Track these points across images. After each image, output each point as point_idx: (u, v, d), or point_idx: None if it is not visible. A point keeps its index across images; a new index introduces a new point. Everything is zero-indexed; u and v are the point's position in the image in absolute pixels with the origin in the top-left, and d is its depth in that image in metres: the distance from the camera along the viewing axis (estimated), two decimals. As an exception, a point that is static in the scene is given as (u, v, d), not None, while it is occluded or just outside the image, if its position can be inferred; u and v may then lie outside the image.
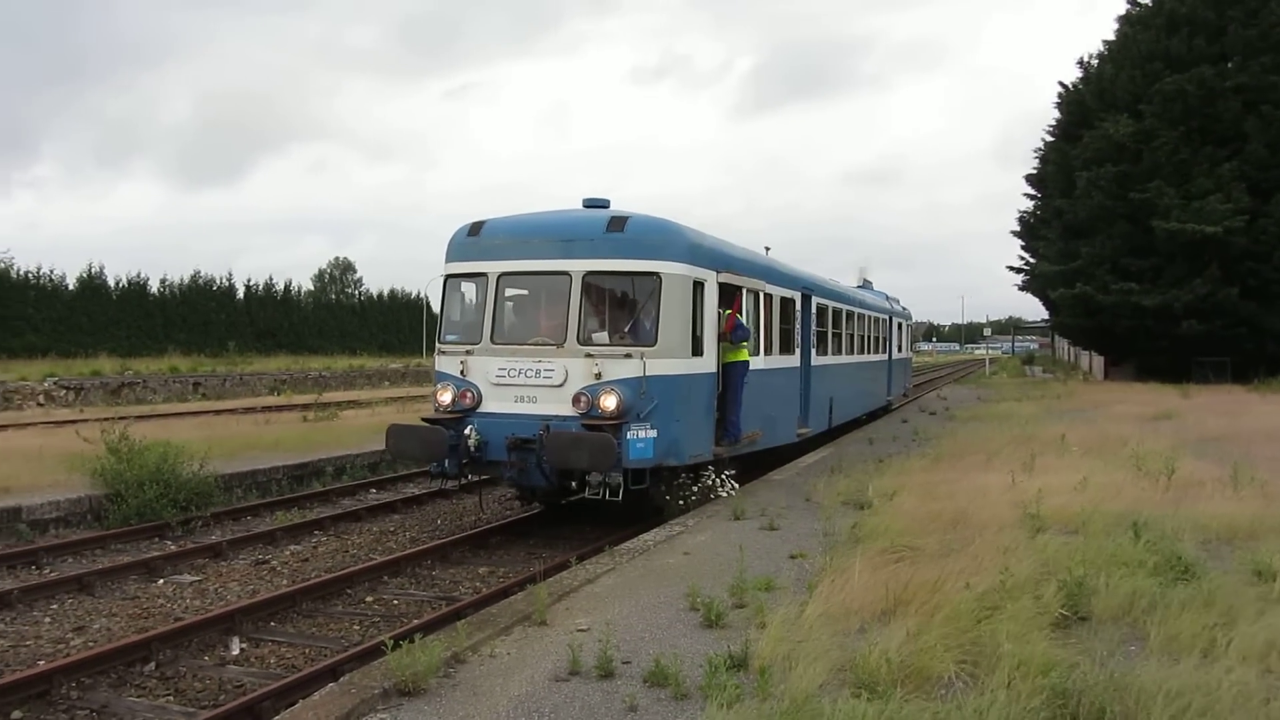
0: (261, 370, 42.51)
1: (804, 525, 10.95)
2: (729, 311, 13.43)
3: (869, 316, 26.26)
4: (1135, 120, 39.87)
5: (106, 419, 20.08)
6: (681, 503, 12.38)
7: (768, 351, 15.65)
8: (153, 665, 7.99)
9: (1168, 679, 5.32)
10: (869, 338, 26.20)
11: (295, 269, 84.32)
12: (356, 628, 9.11)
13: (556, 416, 11.43)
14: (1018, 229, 55.83)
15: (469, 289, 13.00)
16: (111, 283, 50.32)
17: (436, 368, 12.72)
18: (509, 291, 12.83)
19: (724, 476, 13.00)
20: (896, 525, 9.86)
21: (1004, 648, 5.84)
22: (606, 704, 5.73)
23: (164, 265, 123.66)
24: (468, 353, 12.35)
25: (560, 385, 11.63)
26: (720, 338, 13.11)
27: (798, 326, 17.81)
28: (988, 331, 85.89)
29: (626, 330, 11.93)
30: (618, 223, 11.94)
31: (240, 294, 58.23)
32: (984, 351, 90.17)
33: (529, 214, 12.96)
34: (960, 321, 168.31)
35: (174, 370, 38.43)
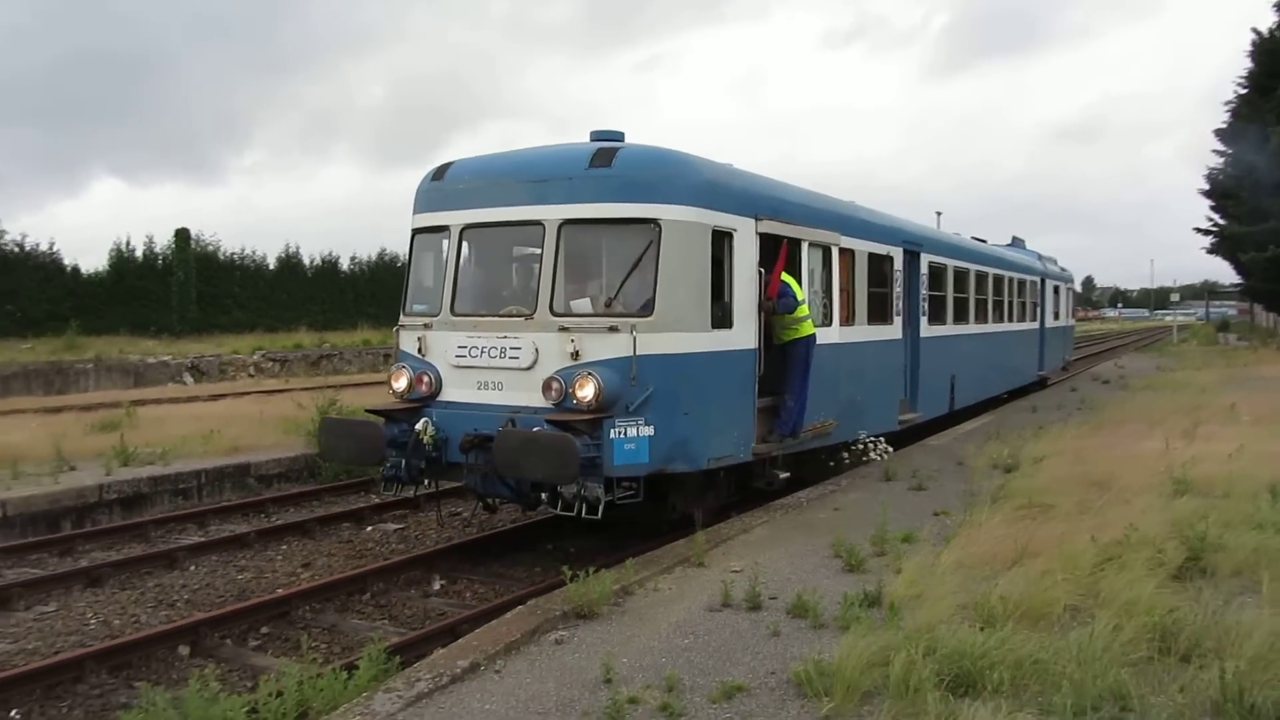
0: (444, 342, 44.94)
1: (951, 486, 11.49)
2: (767, 275, 10.60)
3: (1011, 279, 23.07)
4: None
5: (312, 388, 22.20)
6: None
7: (848, 321, 12.96)
8: (368, 595, 9.35)
9: (1267, 620, 5.80)
10: (1012, 303, 23.12)
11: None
12: (538, 569, 10.25)
13: (526, 408, 9.14)
14: (1206, 188, 53.18)
15: (437, 245, 10.53)
16: (306, 261, 53.91)
17: (398, 345, 10.40)
18: (475, 248, 10.48)
19: (875, 441, 13.55)
20: (1039, 486, 10.34)
21: (1115, 591, 6.40)
22: (753, 630, 6.62)
23: (357, 244, 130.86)
24: (425, 326, 10.09)
25: (529, 368, 9.26)
26: (763, 306, 10.47)
27: (897, 290, 14.92)
28: (1175, 297, 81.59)
29: (614, 296, 9.37)
30: (604, 155, 9.41)
31: (422, 270, 61.18)
32: (1172, 318, 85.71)
33: (506, 151, 10.60)
34: (1150, 286, 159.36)
35: (366, 343, 41.20)
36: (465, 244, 10.19)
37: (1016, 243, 28.08)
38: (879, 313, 14.20)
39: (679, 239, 9.29)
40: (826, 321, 12.18)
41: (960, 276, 18.64)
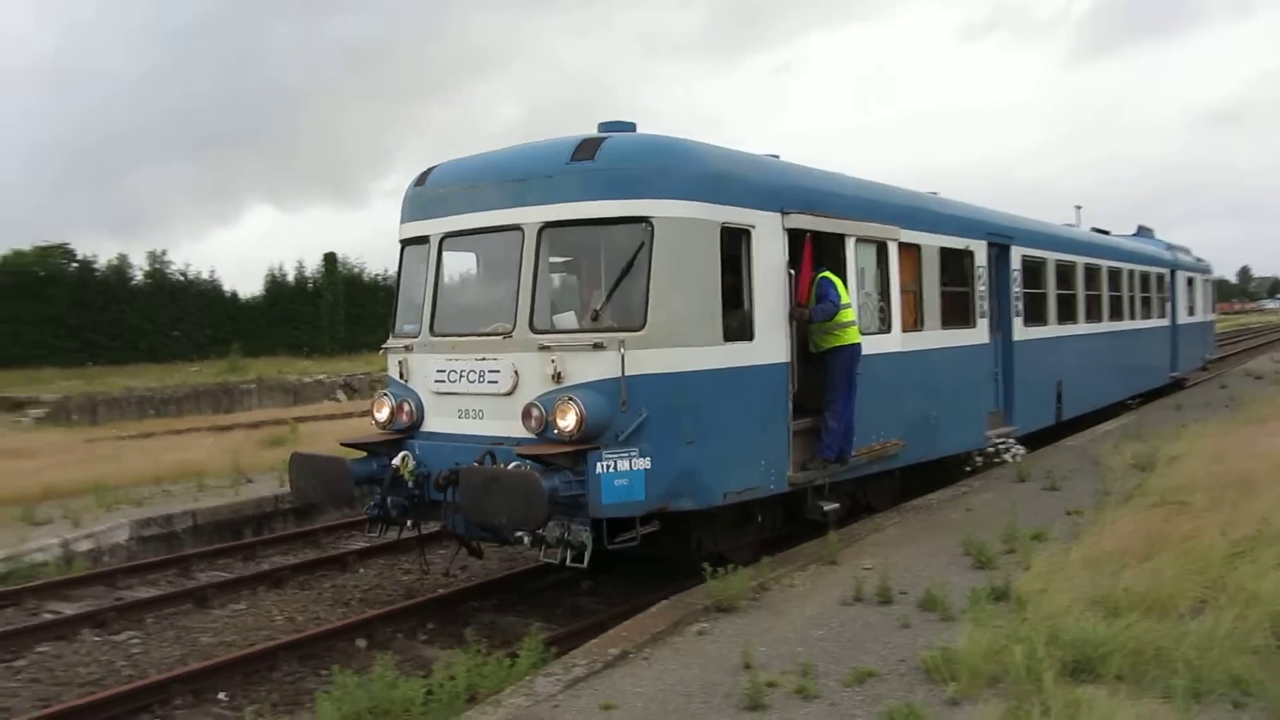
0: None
1: (1085, 486, 11.57)
2: (797, 276, 9.35)
3: (1132, 272, 20.89)
4: None
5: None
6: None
7: (915, 325, 11.56)
8: (521, 595, 10.05)
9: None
10: (1134, 299, 20.96)
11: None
12: (679, 570, 10.77)
13: (508, 439, 8.14)
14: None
15: (423, 257, 9.46)
16: (446, 281, 55.99)
17: (386, 370, 9.73)
18: (455, 260, 9.60)
19: (1009, 443, 13.61)
20: (1174, 484, 10.36)
21: (1241, 584, 6.56)
22: (884, 622, 7.02)
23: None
24: (407, 349, 9.28)
25: (509, 393, 8.27)
26: (794, 314, 9.21)
27: (980, 288, 13.35)
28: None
29: (601, 308, 8.24)
30: (587, 148, 8.33)
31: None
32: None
33: (490, 151, 9.54)
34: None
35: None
36: (445, 255, 9.30)
37: (1143, 233, 25.97)
38: (957, 315, 12.73)
39: (676, 239, 8.16)
40: (884, 327, 10.87)
41: (1065, 271, 16.89)
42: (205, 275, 43.71)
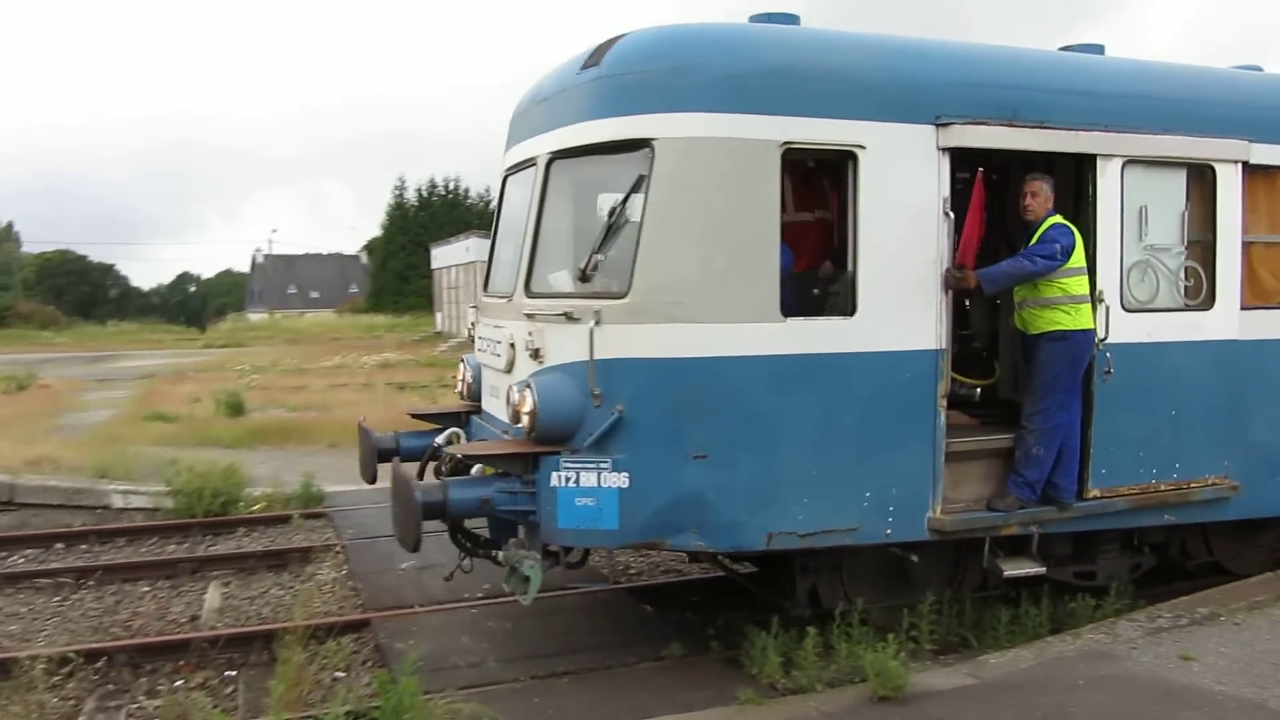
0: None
1: None
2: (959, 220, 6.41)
3: None
4: None
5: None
6: None
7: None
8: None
9: None
10: None
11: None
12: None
13: (512, 426, 6.43)
14: None
15: None
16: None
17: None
18: (507, 201, 7.79)
19: None
20: None
21: None
22: None
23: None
24: (473, 307, 7.97)
25: (507, 371, 6.68)
26: (948, 279, 6.33)
27: None
28: None
29: (589, 265, 6.16)
30: (599, 52, 6.30)
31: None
32: None
33: None
34: None
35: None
36: (505, 195, 7.79)
37: None
38: None
39: (691, 167, 5.88)
40: (1194, 301, 7.11)
41: None
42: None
